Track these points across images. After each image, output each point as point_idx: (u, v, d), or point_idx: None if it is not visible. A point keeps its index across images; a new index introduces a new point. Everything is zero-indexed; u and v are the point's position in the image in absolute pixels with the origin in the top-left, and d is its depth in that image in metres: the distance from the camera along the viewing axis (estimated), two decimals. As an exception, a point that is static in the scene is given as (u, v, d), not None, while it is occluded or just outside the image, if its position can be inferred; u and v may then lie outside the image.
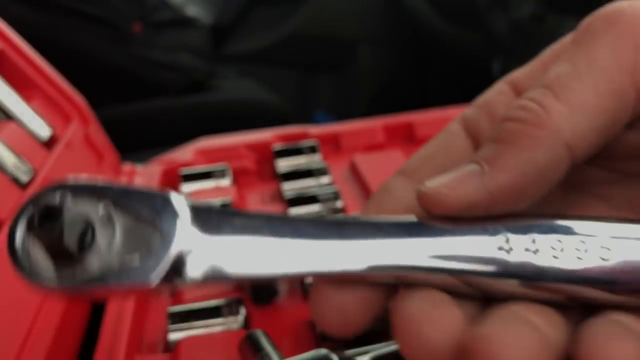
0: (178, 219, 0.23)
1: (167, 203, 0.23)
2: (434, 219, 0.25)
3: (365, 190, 0.54)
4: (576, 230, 0.25)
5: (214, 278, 0.23)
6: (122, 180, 0.58)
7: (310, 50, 1.30)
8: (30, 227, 0.22)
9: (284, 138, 0.62)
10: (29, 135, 0.48)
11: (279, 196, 0.55)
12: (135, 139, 0.79)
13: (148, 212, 0.23)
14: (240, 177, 0.59)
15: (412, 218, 0.25)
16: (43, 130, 0.49)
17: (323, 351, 0.30)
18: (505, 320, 0.23)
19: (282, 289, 0.43)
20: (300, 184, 0.55)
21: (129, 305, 0.41)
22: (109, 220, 0.23)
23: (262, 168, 0.61)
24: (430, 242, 0.25)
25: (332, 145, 0.62)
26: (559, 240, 0.25)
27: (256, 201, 0.56)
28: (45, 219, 0.22)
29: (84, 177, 0.24)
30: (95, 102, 0.59)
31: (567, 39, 0.28)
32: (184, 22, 1.06)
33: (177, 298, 0.42)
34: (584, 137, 0.25)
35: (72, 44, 0.94)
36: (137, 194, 0.23)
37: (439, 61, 1.30)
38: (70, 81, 0.56)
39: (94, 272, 0.22)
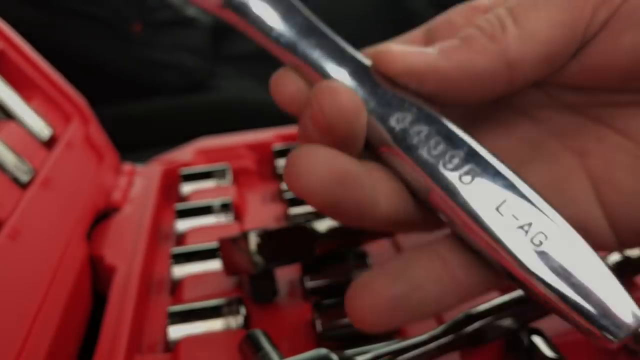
0: None
1: None
2: (380, 75, 0.30)
3: (365, 190, 0.54)
4: (453, 136, 0.29)
5: None
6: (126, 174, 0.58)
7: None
8: None
9: (284, 138, 0.62)
10: (29, 135, 0.48)
11: (279, 196, 0.55)
12: (135, 139, 0.79)
13: None
14: (240, 177, 0.59)
15: (368, 62, 0.30)
16: (43, 130, 0.49)
17: (323, 351, 0.30)
18: None
19: (282, 289, 0.43)
20: (300, 184, 0.55)
21: (129, 305, 0.41)
22: None
23: (262, 168, 0.61)
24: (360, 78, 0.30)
25: (332, 145, 0.62)
26: (430, 133, 0.29)
27: (256, 201, 0.56)
28: None
29: None
30: (95, 102, 0.59)
31: None
32: (184, 22, 1.06)
33: (177, 298, 0.42)
34: (528, 63, 0.28)
35: (72, 44, 0.93)
36: None
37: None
38: (70, 81, 0.56)
39: None
